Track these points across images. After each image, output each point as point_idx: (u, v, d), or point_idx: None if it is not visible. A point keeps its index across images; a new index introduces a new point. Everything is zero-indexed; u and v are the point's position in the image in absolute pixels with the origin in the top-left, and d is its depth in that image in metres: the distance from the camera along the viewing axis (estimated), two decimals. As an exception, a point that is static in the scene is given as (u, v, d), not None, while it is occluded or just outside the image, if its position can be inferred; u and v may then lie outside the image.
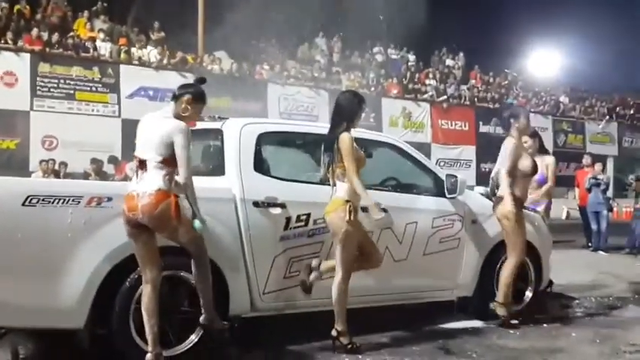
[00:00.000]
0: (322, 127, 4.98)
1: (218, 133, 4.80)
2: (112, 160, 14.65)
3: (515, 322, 5.46)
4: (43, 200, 3.78)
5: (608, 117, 26.11)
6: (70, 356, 4.29)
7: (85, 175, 13.58)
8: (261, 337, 4.84)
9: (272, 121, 5.22)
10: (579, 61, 24.84)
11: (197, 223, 3.96)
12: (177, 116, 4.01)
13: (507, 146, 5.49)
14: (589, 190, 11.39)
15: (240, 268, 4.50)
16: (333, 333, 4.55)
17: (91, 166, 13.74)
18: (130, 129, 15.65)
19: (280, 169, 4.86)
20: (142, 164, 3.91)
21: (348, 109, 4.69)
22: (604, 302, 6.72)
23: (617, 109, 26.82)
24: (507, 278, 5.44)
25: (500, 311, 5.46)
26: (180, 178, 3.88)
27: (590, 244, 11.66)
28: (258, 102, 18.22)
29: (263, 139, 4.80)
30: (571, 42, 24.63)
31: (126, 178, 13.21)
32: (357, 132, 5.26)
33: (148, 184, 3.83)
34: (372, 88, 20.80)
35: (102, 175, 13.46)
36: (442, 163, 20.02)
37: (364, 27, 21.41)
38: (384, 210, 4.75)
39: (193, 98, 4.07)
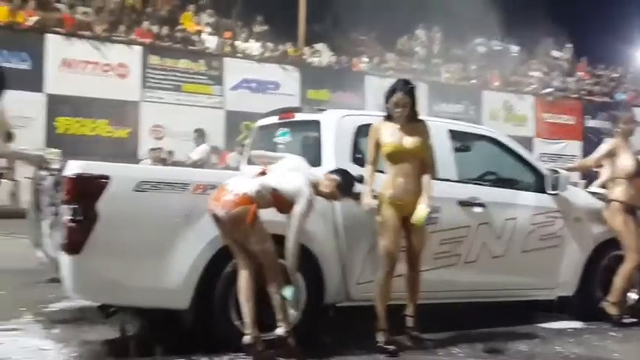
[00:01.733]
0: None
1: (316, 125, 4.88)
2: (214, 150, 15.19)
3: (629, 320, 5.27)
4: (153, 186, 4.01)
5: None
6: (173, 336, 4.50)
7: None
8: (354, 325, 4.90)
9: (370, 113, 5.20)
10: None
11: (288, 292, 4.02)
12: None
13: (602, 145, 5.57)
14: None
15: (335, 258, 4.58)
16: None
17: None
18: (232, 120, 16.40)
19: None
20: (264, 174, 4.17)
21: None
22: None
23: None
24: (623, 278, 5.31)
25: (612, 310, 5.30)
26: (295, 208, 4.00)
27: None
28: (357, 94, 18.27)
29: (361, 131, 4.83)
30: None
31: (227, 167, 13.69)
32: (455, 124, 5.21)
33: (242, 185, 3.98)
34: (473, 80, 20.34)
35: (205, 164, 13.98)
36: (545, 158, 19.29)
37: (466, 17, 20.94)
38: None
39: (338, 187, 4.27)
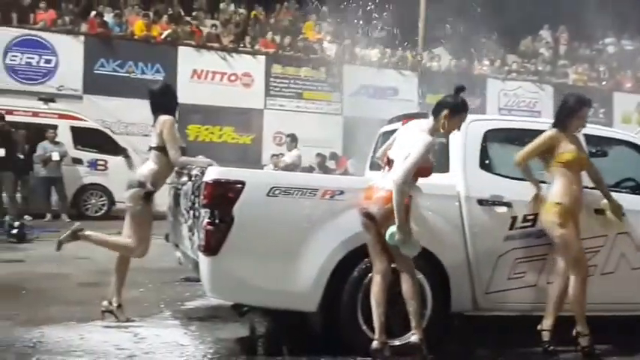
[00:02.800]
0: (549, 122, 4.78)
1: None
2: (333, 156, 15.43)
3: None
4: (284, 192, 4.14)
5: None
6: (301, 338, 4.62)
7: (310, 169, 14.47)
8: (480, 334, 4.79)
9: (498, 117, 5.13)
10: None
11: (390, 231, 3.96)
12: (434, 131, 4.16)
13: None
14: None
15: (463, 266, 4.49)
16: (573, 333, 4.43)
17: (316, 160, 14.62)
18: (350, 126, 16.55)
19: (506, 167, 4.74)
20: (390, 163, 4.14)
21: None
22: None
23: None
24: None
25: None
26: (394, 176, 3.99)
27: None
28: (477, 98, 17.87)
29: (489, 136, 4.74)
30: None
31: (345, 173, 13.83)
32: (589, 128, 4.97)
33: (388, 181, 4.01)
34: (603, 82, 19.27)
35: (324, 170, 14.24)
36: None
37: (593, 16, 19.90)
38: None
39: (450, 112, 4.20)
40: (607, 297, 4.76)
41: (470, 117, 4.82)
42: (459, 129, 4.33)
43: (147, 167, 4.76)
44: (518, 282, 4.59)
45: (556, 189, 4.47)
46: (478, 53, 19.12)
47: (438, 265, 4.37)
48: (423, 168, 4.07)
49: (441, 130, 4.19)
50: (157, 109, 4.85)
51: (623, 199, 4.80)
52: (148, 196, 4.67)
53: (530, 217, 4.60)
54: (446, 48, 19.04)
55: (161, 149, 4.70)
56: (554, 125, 4.61)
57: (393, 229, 3.91)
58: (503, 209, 4.56)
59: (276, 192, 4.12)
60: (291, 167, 11.43)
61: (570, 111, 4.60)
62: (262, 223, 4.11)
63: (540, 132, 4.98)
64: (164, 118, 4.75)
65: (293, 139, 12.27)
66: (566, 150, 4.47)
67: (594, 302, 4.68)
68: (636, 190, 5.05)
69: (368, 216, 4.04)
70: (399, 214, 3.88)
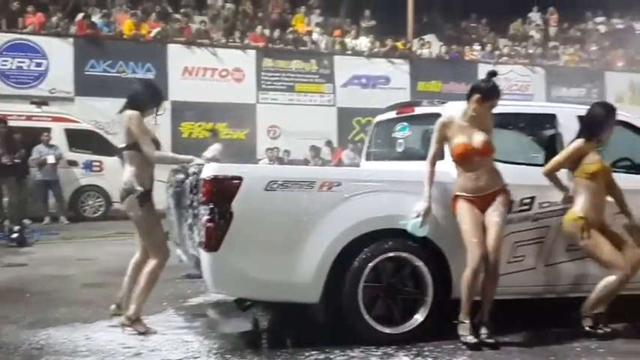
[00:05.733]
0: (544, 106, 4.81)
1: (437, 118, 4.82)
2: (328, 143, 15.51)
3: None
4: (282, 185, 4.16)
5: None
6: (305, 328, 4.64)
7: (305, 162, 14.52)
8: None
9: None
10: None
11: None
12: (464, 115, 4.33)
13: None
14: None
15: (463, 252, 4.52)
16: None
17: (310, 153, 14.69)
18: (344, 117, 16.57)
19: (501, 152, 4.76)
20: None
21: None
22: None
23: None
24: None
25: None
26: None
27: None
28: (469, 83, 17.81)
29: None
30: None
31: (340, 164, 13.88)
32: (579, 109, 4.99)
33: None
34: (594, 62, 19.31)
35: (320, 162, 14.31)
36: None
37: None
38: None
39: (482, 97, 4.28)
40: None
41: (462, 104, 4.85)
42: (487, 114, 4.36)
43: (126, 172, 4.55)
44: (518, 265, 4.63)
45: (580, 202, 4.48)
46: (468, 38, 19.11)
47: (437, 252, 4.40)
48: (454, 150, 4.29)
49: (473, 115, 4.28)
50: (125, 106, 4.62)
51: (619, 178, 4.83)
52: (143, 199, 4.51)
53: (528, 201, 4.64)
54: (436, 35, 19.02)
55: (132, 147, 4.51)
56: (581, 135, 4.57)
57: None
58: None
59: (274, 186, 4.14)
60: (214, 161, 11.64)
61: (600, 121, 4.58)
62: (261, 218, 4.14)
63: (535, 115, 5.05)
64: (129, 113, 4.52)
65: (214, 134, 12.56)
66: (592, 161, 4.48)
67: (590, 283, 4.74)
68: (632, 169, 5.09)
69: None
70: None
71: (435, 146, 4.38)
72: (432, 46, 18.42)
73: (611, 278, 4.36)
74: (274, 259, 4.18)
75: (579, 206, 4.49)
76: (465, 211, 4.26)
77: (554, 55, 19.47)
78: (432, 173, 4.34)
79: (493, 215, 4.26)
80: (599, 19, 21.36)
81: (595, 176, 4.47)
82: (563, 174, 4.63)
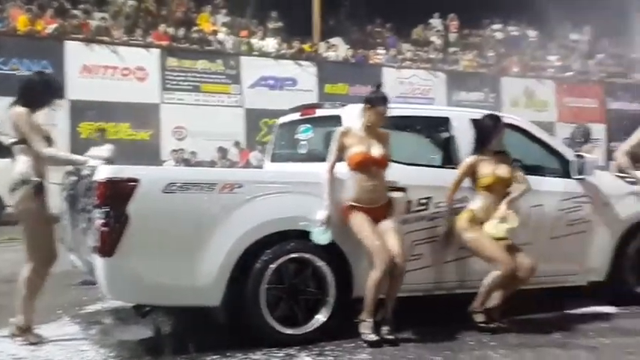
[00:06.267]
0: (439, 109, 4.98)
1: (338, 120, 4.91)
2: (236, 144, 15.38)
3: None
4: (181, 187, 4.07)
5: None
6: (208, 332, 4.58)
7: (212, 163, 14.32)
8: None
9: (390, 105, 5.20)
10: None
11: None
12: (365, 127, 4.49)
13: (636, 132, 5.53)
14: None
15: (363, 252, 4.60)
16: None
17: (218, 154, 14.51)
18: (252, 118, 16.48)
19: (400, 153, 4.89)
20: None
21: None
22: None
23: None
24: None
25: None
26: None
27: None
28: (374, 86, 18.22)
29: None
30: None
31: (248, 165, 13.81)
32: (477, 113, 5.20)
33: None
34: (491, 68, 20.21)
35: (227, 163, 14.17)
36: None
37: (481, 3, 20.77)
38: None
39: (370, 106, 4.47)
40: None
41: (362, 106, 4.91)
42: (380, 121, 4.45)
43: (21, 163, 4.27)
44: (416, 263, 4.76)
45: (475, 202, 4.76)
46: (373, 42, 19.50)
47: (339, 253, 4.45)
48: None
49: (367, 124, 4.43)
50: (15, 101, 4.36)
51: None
52: (39, 190, 4.24)
53: (424, 201, 4.78)
54: (342, 38, 19.28)
55: (23, 141, 4.27)
56: (473, 151, 4.82)
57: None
58: (398, 194, 4.69)
59: (173, 188, 4.05)
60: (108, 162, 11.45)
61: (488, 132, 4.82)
62: (159, 221, 4.04)
63: (431, 118, 5.22)
64: (16, 111, 4.28)
65: (102, 134, 12.33)
66: (485, 174, 4.71)
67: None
68: (522, 171, 5.33)
69: None
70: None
71: (334, 154, 4.45)
72: (338, 49, 18.65)
73: (495, 273, 4.57)
74: (173, 263, 4.09)
75: (473, 204, 4.71)
76: (360, 220, 4.34)
77: (454, 60, 20.20)
78: (331, 181, 4.40)
79: (388, 222, 4.38)
80: (496, 26, 22.35)
81: (491, 188, 4.69)
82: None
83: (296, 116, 5.60)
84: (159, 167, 4.52)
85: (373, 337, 4.25)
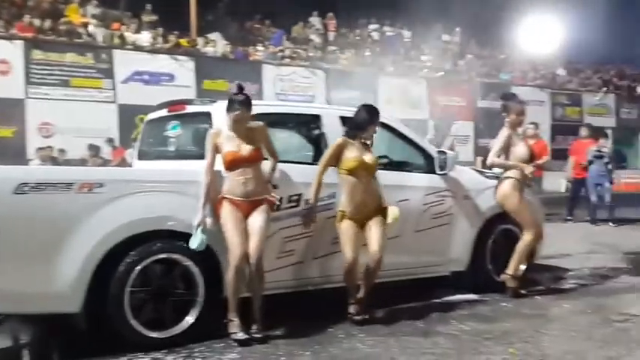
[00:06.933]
0: (310, 107, 5.02)
1: (207, 116, 4.82)
2: (109, 142, 14.73)
3: (524, 292, 5.58)
4: (34, 188, 3.83)
5: (605, 89, 26.03)
6: (69, 338, 4.35)
7: (83, 162, 13.63)
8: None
9: (260, 102, 5.18)
10: (575, 33, 24.59)
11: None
12: (232, 127, 4.42)
13: (499, 137, 5.71)
14: (590, 162, 11.29)
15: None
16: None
17: (89, 153, 13.82)
18: (126, 114, 15.86)
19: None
20: None
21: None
22: (598, 273, 6.78)
23: (614, 80, 26.73)
24: (521, 253, 5.58)
25: (510, 283, 5.57)
26: None
27: (570, 217, 11.64)
28: (254, 83, 18.18)
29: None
30: (567, 15, 24.37)
31: (123, 164, 13.28)
32: (346, 110, 5.30)
33: None
34: (368, 67, 20.74)
35: (99, 162, 13.53)
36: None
37: (358, 4, 21.27)
38: None
39: (227, 107, 4.42)
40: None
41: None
42: (238, 123, 4.39)
43: None
44: (287, 260, 4.78)
45: (341, 195, 4.81)
46: (253, 38, 19.40)
47: (208, 252, 4.36)
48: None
49: (232, 124, 4.39)
50: None
51: (380, 175, 5.21)
52: None
53: (295, 198, 4.80)
54: (221, 33, 19.02)
55: None
56: (345, 134, 4.86)
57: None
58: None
59: (25, 189, 3.81)
60: None
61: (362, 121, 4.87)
62: (10, 224, 3.78)
63: (303, 115, 5.25)
64: None
65: None
66: (351, 158, 4.74)
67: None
68: (389, 166, 5.51)
69: None
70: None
71: (209, 156, 4.39)
72: (217, 45, 18.38)
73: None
74: (27, 269, 3.84)
75: (340, 203, 4.80)
76: (228, 213, 4.31)
77: (333, 58, 20.53)
78: (209, 183, 4.34)
79: (257, 220, 4.35)
80: (372, 26, 22.97)
81: (354, 172, 4.75)
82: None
83: (164, 112, 5.43)
84: (8, 166, 4.21)
85: (242, 336, 4.21)
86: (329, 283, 5.00)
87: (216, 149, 4.39)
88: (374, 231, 4.74)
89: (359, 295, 4.77)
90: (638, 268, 7.08)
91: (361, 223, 4.77)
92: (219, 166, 4.40)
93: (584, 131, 12.31)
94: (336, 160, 4.81)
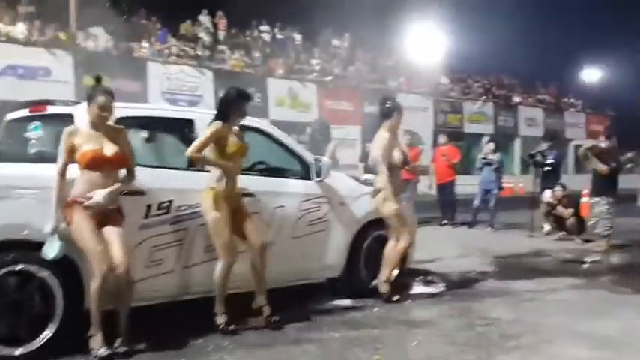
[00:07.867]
0: (183, 111, 4.89)
1: (70, 118, 4.55)
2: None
3: (396, 297, 5.68)
4: None
5: (484, 97, 27.48)
6: None
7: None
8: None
9: (131, 105, 4.97)
10: (458, 43, 25.78)
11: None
12: (93, 125, 4.24)
13: (377, 138, 5.82)
14: (480, 169, 11.87)
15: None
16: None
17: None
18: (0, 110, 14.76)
19: (140, 155, 4.69)
20: None
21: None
22: (467, 277, 7.07)
23: (493, 89, 28.28)
24: (392, 258, 5.69)
25: (384, 288, 5.67)
26: None
27: (445, 221, 12.10)
28: (139, 81, 17.61)
29: (120, 124, 4.60)
30: (451, 25, 25.49)
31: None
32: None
33: None
34: (258, 68, 20.67)
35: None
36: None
37: (249, 4, 21.11)
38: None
39: (87, 102, 4.24)
40: (245, 273, 5.05)
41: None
42: (102, 114, 4.21)
43: None
44: (156, 269, 4.62)
45: (213, 177, 4.68)
46: (138, 34, 18.76)
47: (68, 262, 4.13)
48: None
49: (93, 120, 4.22)
50: None
51: (254, 181, 5.16)
52: None
53: (165, 205, 4.65)
54: (104, 28, 18.23)
55: None
56: (217, 118, 4.73)
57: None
58: (137, 198, 4.50)
59: None
60: None
61: (231, 104, 4.77)
62: None
63: (175, 120, 5.10)
64: None
65: None
66: (231, 143, 4.66)
67: (234, 280, 4.93)
68: (265, 173, 5.48)
69: None
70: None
71: (64, 157, 4.13)
72: (98, 40, 17.61)
73: (217, 269, 4.64)
74: None
75: (211, 180, 4.68)
76: (83, 220, 4.07)
77: (221, 58, 20.27)
78: (62, 187, 4.09)
79: (114, 228, 4.16)
80: (263, 28, 22.89)
81: (232, 157, 4.68)
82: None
83: (26, 112, 5.09)
84: None
85: (104, 352, 4.01)
86: (205, 293, 4.86)
87: (72, 149, 4.12)
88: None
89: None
90: (505, 271, 7.47)
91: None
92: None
93: (442, 138, 13.03)
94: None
